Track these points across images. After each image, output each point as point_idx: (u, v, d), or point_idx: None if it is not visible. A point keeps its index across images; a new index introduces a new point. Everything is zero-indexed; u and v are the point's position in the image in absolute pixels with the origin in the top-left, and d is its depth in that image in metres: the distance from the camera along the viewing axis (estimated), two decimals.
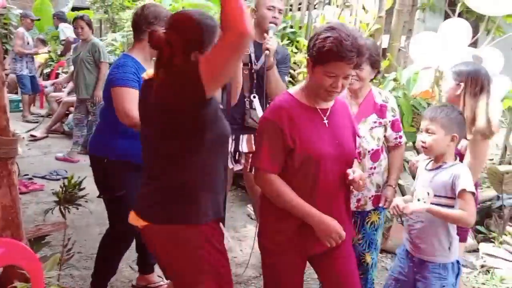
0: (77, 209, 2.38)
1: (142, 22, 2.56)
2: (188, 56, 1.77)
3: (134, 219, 1.92)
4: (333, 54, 1.77)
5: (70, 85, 7.13)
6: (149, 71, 1.97)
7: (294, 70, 5.01)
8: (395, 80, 3.97)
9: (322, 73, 1.83)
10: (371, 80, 2.63)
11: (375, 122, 2.55)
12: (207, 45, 1.77)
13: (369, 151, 2.54)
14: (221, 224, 1.97)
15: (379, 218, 2.64)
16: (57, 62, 9.56)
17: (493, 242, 3.84)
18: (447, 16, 5.74)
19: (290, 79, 5.07)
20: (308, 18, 5.46)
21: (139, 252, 3.00)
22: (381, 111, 2.56)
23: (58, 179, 4.98)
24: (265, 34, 2.93)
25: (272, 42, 2.89)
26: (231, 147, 3.16)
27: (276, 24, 3.02)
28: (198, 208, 1.82)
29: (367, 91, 2.58)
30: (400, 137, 2.64)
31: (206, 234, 1.83)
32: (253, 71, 3.04)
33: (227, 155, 2.02)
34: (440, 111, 2.16)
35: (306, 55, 1.94)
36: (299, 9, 5.79)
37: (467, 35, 3.86)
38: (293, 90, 2.02)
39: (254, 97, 3.04)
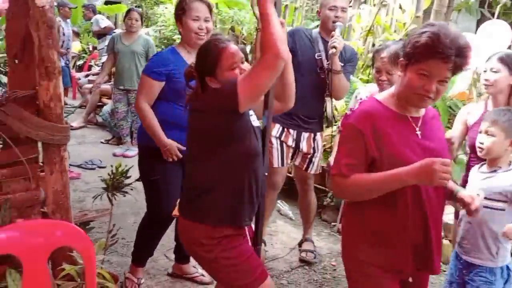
0: (124, 196, 2.45)
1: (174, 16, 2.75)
2: (204, 80, 1.98)
3: (176, 208, 2.10)
4: (428, 49, 1.58)
5: (103, 75, 7.23)
6: None
7: None
8: None
9: (415, 72, 1.62)
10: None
11: None
12: (213, 69, 1.94)
13: None
14: (247, 230, 2.09)
15: None
16: (89, 54, 9.76)
17: None
18: (482, 18, 5.66)
19: None
20: None
21: (177, 241, 3.08)
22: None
23: (94, 168, 5.12)
24: (333, 33, 2.96)
25: (339, 40, 2.93)
26: (292, 142, 3.27)
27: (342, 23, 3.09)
28: (212, 211, 1.95)
29: None
30: None
31: (217, 237, 1.94)
32: (325, 70, 3.10)
33: (258, 170, 2.03)
34: (503, 114, 2.14)
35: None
36: None
37: (507, 37, 3.82)
38: (381, 96, 1.82)
39: (327, 95, 3.13)
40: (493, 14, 4.89)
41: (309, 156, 3.33)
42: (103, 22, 8.52)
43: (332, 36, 2.95)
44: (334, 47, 2.91)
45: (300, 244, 3.61)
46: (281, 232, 3.98)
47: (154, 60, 2.81)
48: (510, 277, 2.15)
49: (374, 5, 4.77)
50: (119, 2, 12.02)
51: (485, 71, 2.51)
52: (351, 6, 5.71)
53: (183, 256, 3.08)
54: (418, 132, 1.72)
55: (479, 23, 6.71)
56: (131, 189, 2.48)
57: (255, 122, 2.05)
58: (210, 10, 2.74)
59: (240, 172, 1.97)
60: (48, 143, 2.12)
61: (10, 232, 1.74)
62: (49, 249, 1.75)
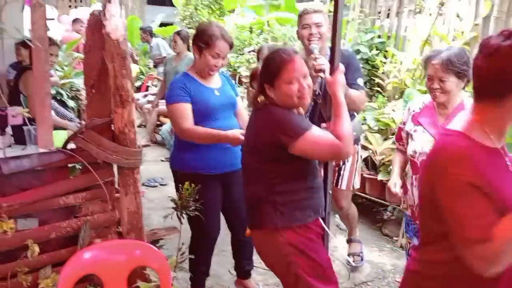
0: (192, 215, 2.53)
1: (193, 41, 2.80)
2: (263, 86, 2.04)
3: (247, 231, 2.20)
4: None
5: (160, 95, 7.51)
6: None
7: (383, 80, 4.98)
8: None
9: None
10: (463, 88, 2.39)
11: None
12: (273, 78, 1.99)
13: None
14: (320, 223, 2.13)
15: None
16: (147, 76, 10.16)
17: None
18: None
19: (379, 88, 5.05)
20: (397, 27, 5.40)
21: (234, 258, 3.16)
22: None
23: (156, 186, 5.31)
24: (312, 55, 2.62)
25: (322, 60, 2.56)
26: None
27: (321, 38, 2.83)
28: (273, 214, 2.00)
29: (457, 102, 2.38)
30: None
31: (287, 238, 1.99)
32: (318, 93, 2.87)
33: (317, 180, 2.11)
34: None
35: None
36: (388, 15, 5.73)
37: None
38: (464, 128, 1.41)
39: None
40: None
41: (337, 168, 3.22)
42: (164, 50, 8.72)
43: (314, 59, 2.58)
44: (321, 70, 2.54)
45: (348, 243, 3.65)
46: (342, 247, 3.95)
47: (172, 88, 2.73)
48: None
49: (431, 14, 4.68)
50: (172, 24, 12.51)
51: None
52: (405, 16, 5.65)
53: (244, 271, 3.15)
54: (509, 163, 1.44)
55: None
56: (200, 209, 2.55)
57: None
58: (231, 48, 2.77)
59: (298, 184, 2.03)
60: (123, 166, 2.25)
61: (93, 252, 1.86)
62: (129, 268, 1.85)
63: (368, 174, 4.24)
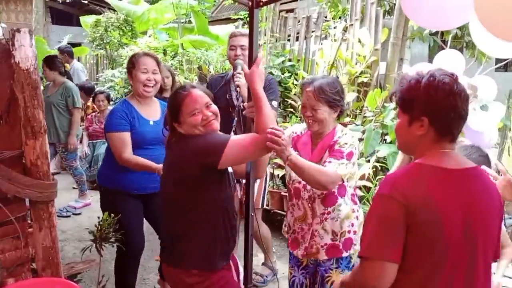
0: (113, 246, 2.47)
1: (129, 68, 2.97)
2: (172, 126, 2.12)
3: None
4: None
5: None
6: None
7: (296, 102, 5.21)
8: (395, 109, 4.17)
9: None
10: (338, 118, 2.46)
11: (327, 162, 2.30)
12: (177, 115, 2.08)
13: (319, 195, 2.34)
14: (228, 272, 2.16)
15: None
16: None
17: None
18: (434, 44, 6.02)
19: (292, 109, 5.28)
20: (305, 51, 5.70)
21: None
22: (331, 147, 2.32)
23: (69, 216, 5.06)
24: (234, 72, 2.97)
25: (240, 77, 2.84)
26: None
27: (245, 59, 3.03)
28: (187, 255, 2.04)
29: (329, 130, 2.38)
30: (330, 162, 2.29)
31: (195, 280, 2.02)
32: (236, 109, 3.10)
33: (231, 214, 2.13)
34: (470, 151, 2.19)
35: None
36: (297, 39, 6.03)
37: (460, 65, 4.09)
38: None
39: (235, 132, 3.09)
40: (443, 41, 5.22)
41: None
42: (83, 75, 8.21)
43: (234, 76, 2.96)
44: (238, 86, 2.89)
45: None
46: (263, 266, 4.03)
47: (113, 116, 2.87)
48: None
49: (335, 40, 5.01)
50: (79, 44, 12.08)
51: None
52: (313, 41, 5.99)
53: None
54: None
55: (430, 49, 7.13)
56: (121, 239, 2.50)
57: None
58: (158, 63, 2.96)
59: (215, 217, 2.06)
60: (36, 200, 2.15)
61: None
62: None
63: (285, 192, 4.39)
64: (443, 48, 4.69)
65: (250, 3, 2.12)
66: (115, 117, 2.84)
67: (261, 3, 2.10)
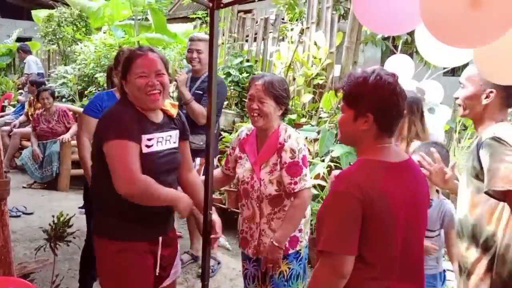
0: (68, 245, 2.44)
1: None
2: (121, 83, 2.05)
3: None
4: None
5: (22, 117, 6.97)
6: None
7: None
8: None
9: None
10: (283, 117, 2.46)
11: (275, 164, 2.33)
12: (125, 72, 2.01)
13: (266, 196, 2.35)
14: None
15: (288, 268, 2.37)
16: (3, 95, 9.31)
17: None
18: (386, 49, 6.27)
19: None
20: (263, 52, 5.79)
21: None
22: (279, 151, 2.32)
23: (19, 216, 4.89)
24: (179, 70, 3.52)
25: (180, 74, 3.49)
26: None
27: (200, 62, 3.53)
28: (107, 224, 2.02)
29: (273, 128, 2.37)
30: (295, 183, 2.28)
31: (115, 248, 1.98)
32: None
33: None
34: (439, 149, 2.28)
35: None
36: (255, 40, 6.11)
37: (410, 69, 4.29)
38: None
39: None
40: (395, 46, 5.45)
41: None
42: (36, 67, 8.26)
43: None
44: (175, 80, 3.40)
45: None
46: (226, 267, 4.06)
47: (91, 100, 3.02)
48: (445, 279, 2.53)
49: (292, 42, 5.12)
50: (30, 39, 11.66)
51: None
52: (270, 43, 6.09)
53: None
54: None
55: (383, 53, 7.40)
56: (74, 238, 2.47)
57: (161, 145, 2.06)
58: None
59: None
60: None
61: None
62: None
63: (229, 187, 4.39)
64: (395, 53, 4.91)
65: (210, 4, 2.15)
66: (91, 101, 2.98)
67: (222, 5, 2.14)
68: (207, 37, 3.35)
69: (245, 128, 2.60)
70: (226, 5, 2.20)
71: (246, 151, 2.46)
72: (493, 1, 1.39)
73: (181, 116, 2.24)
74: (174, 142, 2.14)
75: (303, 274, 2.42)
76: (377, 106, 1.54)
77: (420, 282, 1.65)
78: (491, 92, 1.87)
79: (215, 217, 2.17)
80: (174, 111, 2.16)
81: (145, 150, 1.97)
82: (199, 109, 3.41)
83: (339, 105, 4.48)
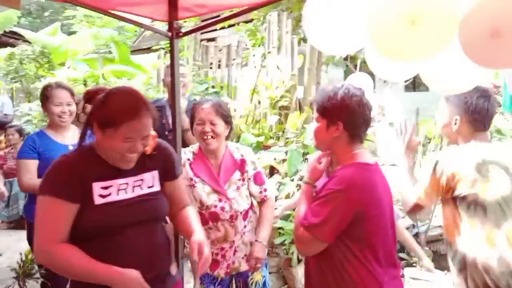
0: (37, 282, 2.40)
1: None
2: (90, 121, 1.65)
3: None
4: None
5: None
6: None
7: None
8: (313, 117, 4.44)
9: None
10: (227, 138, 2.45)
11: (239, 179, 2.42)
12: (105, 123, 1.58)
13: (241, 212, 2.42)
14: None
15: (262, 276, 2.50)
16: None
17: (415, 266, 4.29)
18: (347, 69, 6.49)
19: None
20: (228, 78, 5.89)
21: None
22: (241, 166, 2.43)
23: None
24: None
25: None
26: None
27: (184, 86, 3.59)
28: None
29: (224, 149, 2.45)
30: (265, 190, 2.49)
31: None
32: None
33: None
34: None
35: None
36: (219, 66, 6.22)
37: (369, 86, 4.47)
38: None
39: None
40: (355, 66, 5.66)
41: None
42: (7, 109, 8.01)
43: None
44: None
45: None
46: None
47: (23, 144, 2.91)
48: None
49: (255, 66, 5.25)
50: None
51: None
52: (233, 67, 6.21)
53: None
54: None
55: (345, 73, 7.65)
56: (45, 274, 2.44)
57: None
58: (72, 94, 2.95)
59: None
60: None
61: None
62: None
63: None
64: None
65: (170, 34, 2.23)
66: (23, 145, 2.87)
67: (181, 34, 2.22)
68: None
69: (186, 150, 2.51)
70: (185, 34, 2.29)
71: (201, 176, 2.40)
72: (429, 19, 1.52)
73: (163, 149, 1.80)
74: (151, 187, 1.73)
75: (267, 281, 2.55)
76: (345, 115, 1.74)
77: (399, 267, 1.85)
78: (456, 119, 2.07)
79: (200, 237, 1.73)
80: (149, 146, 1.71)
81: (98, 201, 1.60)
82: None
83: (304, 125, 4.59)
